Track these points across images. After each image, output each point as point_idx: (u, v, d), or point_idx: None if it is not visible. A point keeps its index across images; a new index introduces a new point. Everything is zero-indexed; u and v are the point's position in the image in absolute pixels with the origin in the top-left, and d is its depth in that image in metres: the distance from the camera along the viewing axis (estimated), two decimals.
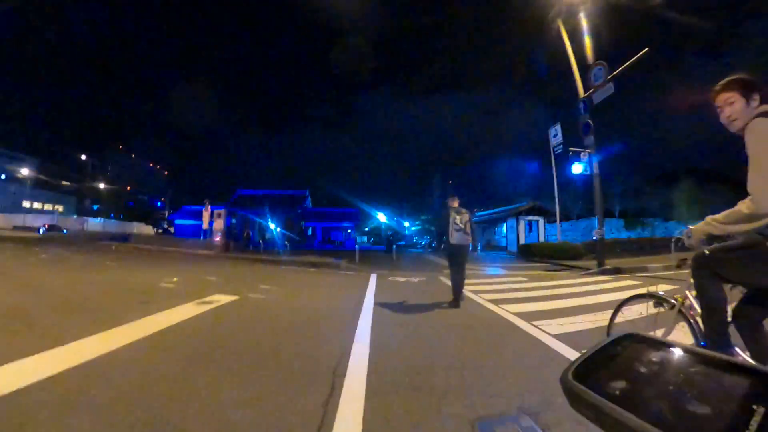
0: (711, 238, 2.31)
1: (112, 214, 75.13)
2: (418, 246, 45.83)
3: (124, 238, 28.96)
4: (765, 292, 2.17)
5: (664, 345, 0.65)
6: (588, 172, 14.56)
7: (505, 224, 26.48)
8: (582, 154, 14.63)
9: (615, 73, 13.40)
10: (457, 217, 6.71)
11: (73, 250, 17.80)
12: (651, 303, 2.97)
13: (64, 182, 75.20)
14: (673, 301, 2.78)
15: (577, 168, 14.63)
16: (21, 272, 9.41)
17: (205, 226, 22.63)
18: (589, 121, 14.59)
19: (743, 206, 1.97)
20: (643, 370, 0.60)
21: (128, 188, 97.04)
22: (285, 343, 3.99)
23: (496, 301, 6.92)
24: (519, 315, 5.63)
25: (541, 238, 23.90)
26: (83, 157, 69.48)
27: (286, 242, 21.21)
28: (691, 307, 2.64)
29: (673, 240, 2.68)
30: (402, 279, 10.59)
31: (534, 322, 5.09)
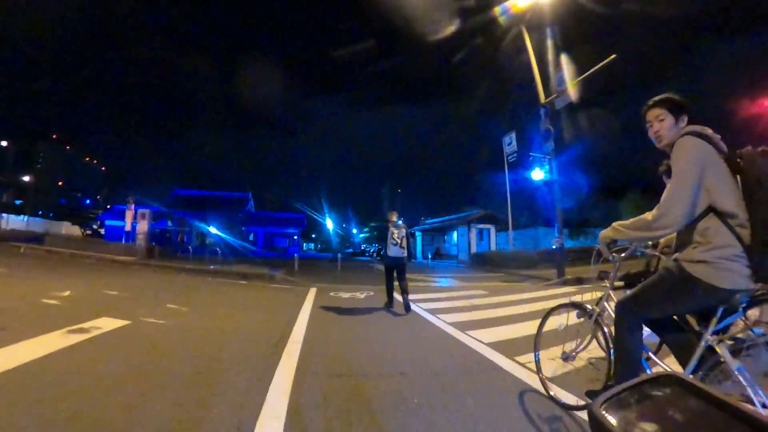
0: (613, 244, 2.37)
1: (40, 212, 69.22)
2: (366, 254, 44.20)
3: (37, 239, 25.75)
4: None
5: (707, 394, 0.60)
6: (549, 178, 13.91)
7: (455, 232, 25.60)
8: (544, 159, 13.93)
9: (580, 78, 12.90)
10: (395, 232, 7.16)
11: None
12: (573, 313, 2.97)
13: None
14: (590, 310, 2.80)
15: (537, 174, 14.17)
16: None
17: (127, 227, 19.87)
18: (550, 127, 14.19)
19: (649, 214, 2.04)
20: (677, 416, 0.58)
21: (60, 183, 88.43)
22: (151, 409, 2.49)
23: (461, 325, 5.66)
24: (497, 346, 4.40)
25: (493, 247, 23.22)
26: (3, 143, 62.16)
27: (217, 249, 18.85)
28: (609, 317, 2.62)
29: (594, 251, 2.66)
30: (345, 294, 9.06)
31: (520, 359, 3.86)
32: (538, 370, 3.10)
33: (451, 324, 5.76)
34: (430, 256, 29.56)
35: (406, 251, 7.19)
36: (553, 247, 13.94)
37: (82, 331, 4.44)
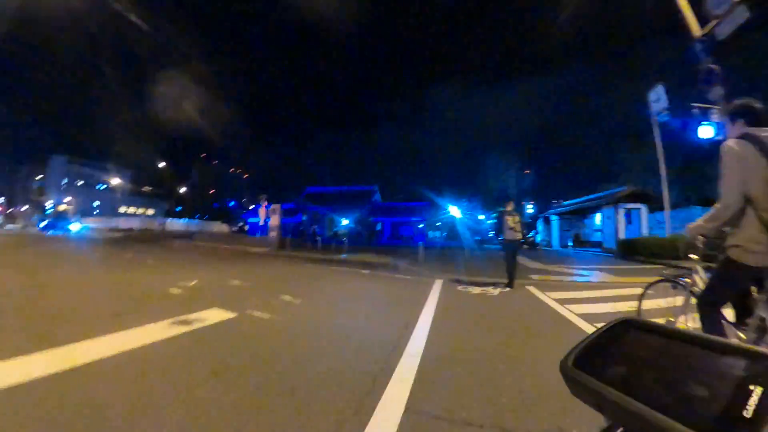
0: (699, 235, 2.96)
1: (198, 215, 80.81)
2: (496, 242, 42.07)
3: (189, 236, 29.92)
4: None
5: (661, 330, 0.66)
6: (719, 137, 10.81)
7: (599, 215, 22.23)
8: (715, 110, 10.87)
9: None
10: (509, 219, 8.23)
11: (134, 248, 17.36)
12: (669, 286, 3.59)
13: (146, 188, 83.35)
14: (683, 283, 3.40)
15: (706, 131, 10.75)
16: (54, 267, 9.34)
17: (261, 222, 21.50)
18: (713, 66, 10.51)
19: (714, 206, 2.51)
20: (641, 355, 0.62)
21: (212, 191, 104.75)
22: None
23: None
24: None
25: (644, 231, 19.71)
26: (163, 164, 75.76)
27: (344, 239, 19.10)
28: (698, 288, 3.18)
29: (683, 244, 3.19)
30: (476, 290, 7.95)
31: None
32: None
33: None
34: (571, 244, 26.56)
35: (519, 234, 8.27)
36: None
37: (185, 323, 4.42)
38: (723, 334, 2.55)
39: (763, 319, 2.53)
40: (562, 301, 6.60)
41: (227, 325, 4.45)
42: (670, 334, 0.63)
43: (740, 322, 2.69)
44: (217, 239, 25.56)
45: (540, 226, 32.76)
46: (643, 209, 20.36)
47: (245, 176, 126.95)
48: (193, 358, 3.26)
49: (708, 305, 2.65)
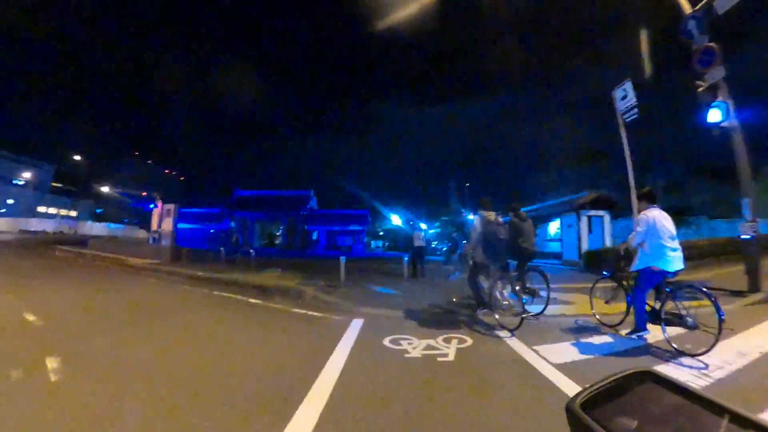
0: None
1: (126, 219, 73.38)
2: (437, 253, 38.77)
3: (83, 242, 25.15)
4: None
5: (682, 389, 0.62)
6: (725, 121, 8.39)
7: (556, 223, 19.56)
8: (719, 90, 8.51)
9: None
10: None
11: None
12: (610, 283, 5.72)
13: (67, 186, 73.48)
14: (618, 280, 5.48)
15: (714, 115, 8.35)
16: None
17: (153, 226, 16.96)
18: (712, 45, 8.49)
19: (630, 236, 4.82)
20: (655, 411, 0.59)
21: (143, 194, 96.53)
22: None
23: None
24: None
25: (608, 241, 17.34)
26: (78, 158, 66.53)
27: (251, 251, 15.15)
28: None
29: (621, 250, 5.34)
30: (417, 345, 4.52)
31: None
32: (592, 308, 5.76)
33: None
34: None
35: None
36: (743, 237, 8.36)
37: None
38: (645, 319, 4.63)
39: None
40: (571, 370, 3.54)
41: None
42: (692, 395, 0.60)
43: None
44: (115, 248, 20.82)
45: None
46: (606, 216, 17.99)
47: (181, 179, 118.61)
48: None
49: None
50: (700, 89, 8.73)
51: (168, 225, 15.87)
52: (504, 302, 5.49)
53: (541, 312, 6.08)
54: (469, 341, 4.64)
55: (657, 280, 4.56)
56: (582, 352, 4.31)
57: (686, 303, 4.36)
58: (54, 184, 71.55)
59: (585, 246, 16.78)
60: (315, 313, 6.24)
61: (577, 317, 5.99)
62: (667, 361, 3.97)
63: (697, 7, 8.64)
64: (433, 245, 45.57)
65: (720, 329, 3.87)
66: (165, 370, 3.57)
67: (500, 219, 5.85)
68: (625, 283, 5.28)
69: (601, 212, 17.90)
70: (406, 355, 4.10)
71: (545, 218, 21.09)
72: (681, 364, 3.86)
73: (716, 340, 3.86)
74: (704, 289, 4.25)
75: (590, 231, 17.90)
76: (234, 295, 7.98)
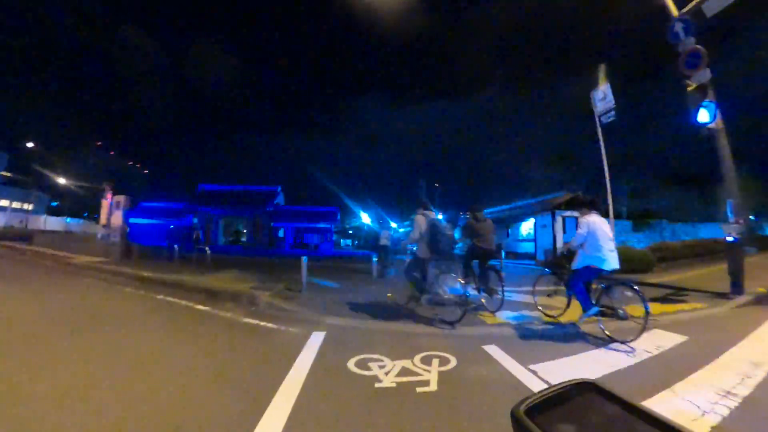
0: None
1: (86, 213, 69.03)
2: (408, 252, 38.11)
3: (25, 238, 23.14)
4: None
5: (624, 402, 0.63)
6: (712, 122, 8.36)
7: (530, 223, 19.23)
8: (706, 92, 8.43)
9: None
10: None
11: None
12: (551, 277, 6.51)
13: (7, 174, 68.51)
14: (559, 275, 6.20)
15: (703, 115, 8.34)
16: None
17: (103, 221, 15.40)
18: (698, 47, 8.41)
19: (573, 238, 5.34)
20: (594, 420, 0.62)
21: (105, 187, 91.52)
22: None
23: None
24: None
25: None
26: (31, 146, 61.97)
27: (206, 249, 13.97)
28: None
29: (563, 251, 6.35)
30: (390, 368, 3.69)
31: None
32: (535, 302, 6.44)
33: None
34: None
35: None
36: (728, 239, 8.19)
37: None
38: (589, 299, 5.08)
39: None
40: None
41: None
42: (632, 408, 0.61)
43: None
44: (61, 244, 19.04)
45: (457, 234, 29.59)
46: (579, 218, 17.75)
47: (145, 171, 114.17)
48: None
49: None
50: (690, 88, 8.71)
51: (118, 219, 14.50)
52: (445, 296, 5.76)
53: (497, 309, 6.35)
54: (452, 361, 3.87)
55: (593, 276, 5.10)
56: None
57: (618, 298, 4.99)
58: (4, 174, 65.33)
59: (561, 247, 16.51)
60: (268, 324, 5.32)
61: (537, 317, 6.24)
62: (600, 347, 4.56)
63: (684, 10, 8.61)
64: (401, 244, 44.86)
65: (646, 320, 4.48)
66: (53, 409, 2.62)
67: (440, 219, 6.37)
68: (564, 279, 5.77)
69: (576, 213, 17.59)
70: (377, 385, 3.28)
71: (518, 218, 20.71)
72: (612, 349, 4.46)
73: (643, 329, 4.47)
74: (634, 287, 4.78)
75: (564, 231, 17.61)
76: (179, 301, 6.97)
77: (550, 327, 5.52)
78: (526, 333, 5.20)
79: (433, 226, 5.91)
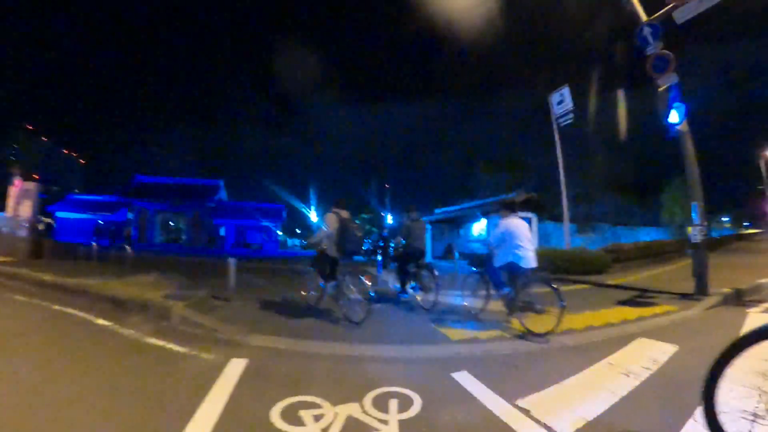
0: None
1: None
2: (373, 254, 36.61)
3: None
4: None
5: None
6: (679, 123, 8.33)
7: (481, 223, 18.88)
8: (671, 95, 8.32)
9: None
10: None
11: None
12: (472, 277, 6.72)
13: None
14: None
15: (674, 116, 8.29)
16: None
17: (9, 212, 13.29)
18: (666, 52, 8.43)
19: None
20: None
21: (35, 176, 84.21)
22: None
23: None
24: None
25: (534, 243, 16.80)
26: None
27: (128, 247, 12.36)
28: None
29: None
30: (326, 428, 2.59)
31: None
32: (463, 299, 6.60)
33: None
34: (440, 255, 22.82)
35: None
36: (693, 240, 8.13)
37: None
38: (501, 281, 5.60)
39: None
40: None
41: None
42: None
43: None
44: None
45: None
46: (534, 219, 17.57)
47: (81, 161, 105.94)
48: None
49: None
50: (660, 88, 8.56)
51: (27, 209, 12.50)
52: (351, 295, 5.71)
53: (431, 307, 6.46)
54: (416, 402, 2.90)
55: (513, 273, 5.34)
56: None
57: (536, 291, 5.36)
58: None
59: None
60: (177, 348, 4.14)
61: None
62: (520, 338, 4.79)
63: (654, 16, 8.61)
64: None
65: (561, 314, 4.67)
66: None
67: (352, 219, 6.41)
68: (486, 276, 6.04)
69: (529, 214, 17.41)
70: None
71: (470, 218, 20.37)
72: (529, 340, 4.68)
73: (558, 322, 4.66)
74: (551, 284, 5.01)
75: None
76: (78, 312, 5.63)
77: (520, 341, 4.78)
78: (496, 349, 4.52)
79: (343, 225, 5.95)
